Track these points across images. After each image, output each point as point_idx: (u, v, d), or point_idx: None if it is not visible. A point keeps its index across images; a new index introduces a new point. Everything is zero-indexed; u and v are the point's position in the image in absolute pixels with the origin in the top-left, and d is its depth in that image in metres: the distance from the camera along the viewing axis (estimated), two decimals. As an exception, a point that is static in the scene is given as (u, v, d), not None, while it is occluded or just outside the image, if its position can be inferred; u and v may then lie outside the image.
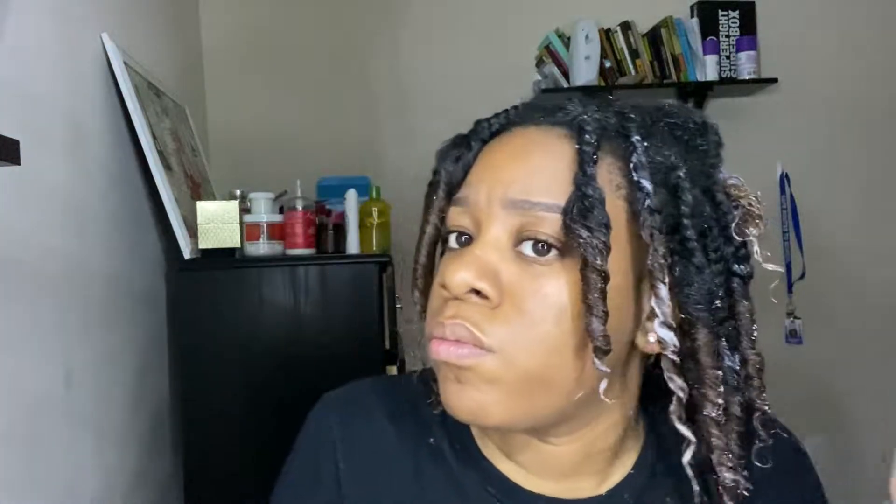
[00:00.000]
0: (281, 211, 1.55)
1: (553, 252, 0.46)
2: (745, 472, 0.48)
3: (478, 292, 0.46)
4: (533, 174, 0.47)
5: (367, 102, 2.26)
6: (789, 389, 2.44)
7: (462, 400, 0.47)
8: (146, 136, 1.33)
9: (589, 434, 0.51)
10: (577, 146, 0.46)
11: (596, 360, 0.45)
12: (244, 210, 1.51)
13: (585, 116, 0.48)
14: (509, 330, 0.45)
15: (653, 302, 0.47)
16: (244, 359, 1.41)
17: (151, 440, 1.44)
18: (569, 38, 2.24)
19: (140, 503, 1.35)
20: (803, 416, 2.44)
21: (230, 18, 2.24)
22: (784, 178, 2.38)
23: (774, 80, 2.27)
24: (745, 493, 0.49)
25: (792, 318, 2.38)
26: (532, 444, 0.52)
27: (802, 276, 2.38)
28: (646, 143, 0.47)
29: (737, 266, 0.48)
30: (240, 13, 2.25)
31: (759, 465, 0.51)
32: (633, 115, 0.49)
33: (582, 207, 0.44)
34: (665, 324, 0.47)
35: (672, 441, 0.50)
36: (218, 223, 1.42)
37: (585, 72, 2.18)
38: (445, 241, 0.51)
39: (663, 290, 0.46)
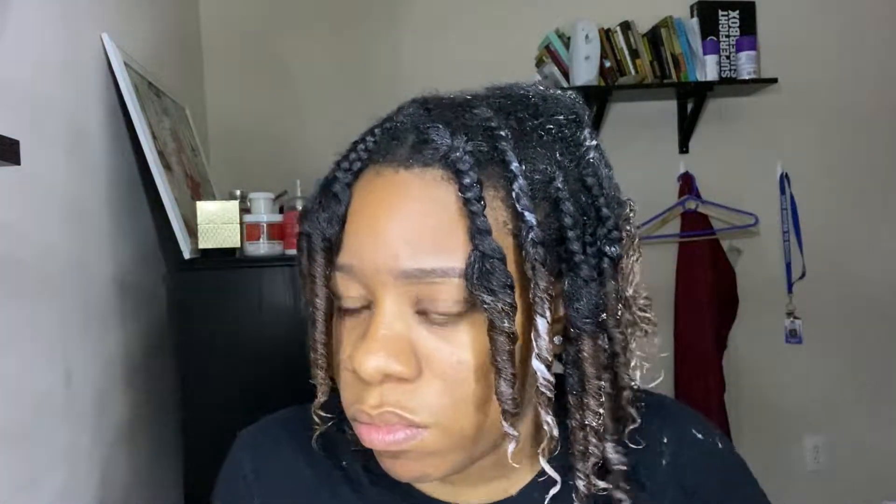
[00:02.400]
0: (281, 211, 1.55)
1: (455, 313, 0.44)
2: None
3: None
4: (418, 235, 0.42)
5: (367, 102, 2.26)
6: (789, 389, 2.44)
7: (403, 470, 0.46)
8: (146, 136, 1.33)
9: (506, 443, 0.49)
10: (460, 195, 0.42)
11: (504, 424, 0.44)
12: (244, 210, 1.51)
13: (458, 153, 0.43)
14: (436, 400, 0.44)
15: (532, 335, 0.44)
16: (244, 359, 1.41)
17: (151, 440, 1.44)
18: (569, 38, 2.24)
19: (140, 503, 1.35)
20: (803, 416, 2.44)
21: (230, 18, 2.24)
22: (784, 178, 2.38)
23: (774, 80, 2.27)
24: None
25: (792, 318, 2.38)
26: None
27: (802, 276, 2.38)
28: (523, 166, 0.44)
29: (608, 248, 0.46)
30: (240, 13, 2.25)
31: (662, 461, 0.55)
32: (503, 132, 0.45)
33: (483, 270, 0.41)
34: (539, 357, 0.44)
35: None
36: (218, 223, 1.41)
37: (585, 72, 2.18)
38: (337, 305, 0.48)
39: (542, 325, 0.44)
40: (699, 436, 0.58)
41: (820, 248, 2.40)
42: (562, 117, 0.48)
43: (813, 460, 2.43)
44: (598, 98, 2.25)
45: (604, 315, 0.46)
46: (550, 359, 0.44)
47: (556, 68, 2.26)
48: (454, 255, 0.42)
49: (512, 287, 0.42)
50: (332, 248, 0.46)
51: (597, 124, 2.31)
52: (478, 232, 0.42)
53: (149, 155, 1.33)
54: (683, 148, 2.39)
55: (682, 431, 0.58)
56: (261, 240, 1.46)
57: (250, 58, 2.25)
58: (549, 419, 0.45)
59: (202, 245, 1.41)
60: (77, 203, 1.14)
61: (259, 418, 0.60)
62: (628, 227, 0.49)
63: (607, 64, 2.23)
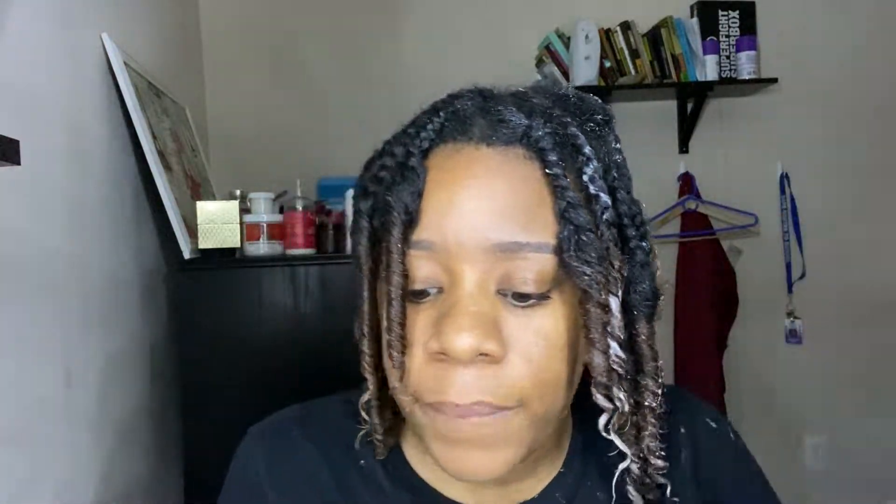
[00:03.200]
0: (281, 211, 1.54)
1: (541, 293, 0.43)
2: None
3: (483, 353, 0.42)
4: (509, 210, 0.42)
5: (367, 102, 2.26)
6: (789, 389, 2.44)
7: (473, 464, 0.44)
8: (146, 136, 1.33)
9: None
10: (547, 172, 0.43)
11: (600, 398, 0.44)
12: (244, 210, 1.50)
13: (539, 132, 0.44)
14: (523, 382, 0.43)
15: (605, 313, 0.45)
16: (244, 359, 1.41)
17: (152, 440, 1.44)
18: (569, 38, 2.24)
19: (140, 503, 1.35)
20: (803, 416, 2.44)
21: (230, 18, 2.24)
22: (784, 178, 2.39)
23: (774, 80, 2.27)
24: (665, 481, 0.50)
25: (792, 318, 2.38)
26: None
27: (802, 276, 2.38)
28: (592, 149, 0.45)
29: (642, 242, 0.47)
30: (240, 13, 2.25)
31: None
32: (569, 119, 0.46)
33: (580, 242, 0.42)
34: (612, 335, 0.44)
35: (600, 435, 0.48)
36: (218, 223, 1.41)
37: (585, 72, 2.18)
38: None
39: (615, 304, 0.44)
40: (713, 425, 0.58)
41: (820, 248, 2.40)
42: (599, 117, 0.49)
43: (813, 460, 2.43)
44: (598, 98, 2.25)
45: (662, 299, 0.47)
46: (622, 337, 0.44)
47: (556, 68, 2.26)
48: (544, 231, 0.42)
49: (607, 259, 0.43)
50: (412, 223, 0.44)
51: (597, 124, 2.31)
52: (570, 206, 0.42)
53: (149, 155, 1.33)
54: (683, 148, 2.39)
55: (697, 421, 0.58)
56: (261, 240, 1.46)
57: (250, 58, 2.25)
58: (621, 395, 0.45)
59: (202, 245, 1.41)
60: (77, 203, 1.14)
61: (261, 416, 0.60)
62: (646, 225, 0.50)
63: (607, 64, 2.23)
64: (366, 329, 0.48)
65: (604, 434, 0.47)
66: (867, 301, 2.43)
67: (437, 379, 0.43)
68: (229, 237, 1.42)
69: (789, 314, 2.39)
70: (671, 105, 2.39)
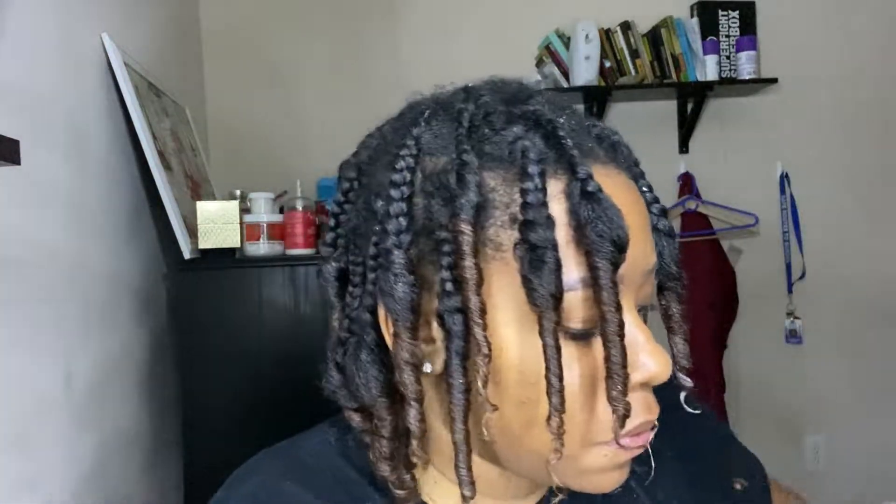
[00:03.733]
0: (281, 211, 1.54)
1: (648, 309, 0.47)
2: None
3: None
4: (650, 231, 0.44)
5: (367, 102, 2.26)
6: (789, 389, 2.44)
7: (623, 478, 0.45)
8: (146, 136, 1.33)
9: None
10: (644, 192, 0.46)
11: (684, 377, 0.49)
12: (244, 210, 1.50)
13: (634, 158, 0.47)
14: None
15: None
16: (244, 359, 1.41)
17: (152, 440, 1.44)
18: (569, 38, 2.24)
19: (140, 503, 1.35)
20: (803, 416, 2.44)
21: (230, 18, 2.24)
22: (784, 178, 2.39)
23: (774, 80, 2.27)
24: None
25: (792, 318, 2.38)
26: (511, 478, 0.50)
27: (802, 276, 2.38)
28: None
29: None
30: (240, 13, 2.25)
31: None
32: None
33: (674, 252, 0.47)
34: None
35: None
36: (218, 223, 1.41)
37: (585, 72, 2.18)
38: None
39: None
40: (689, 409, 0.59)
41: (820, 248, 2.40)
42: None
43: (813, 460, 2.43)
44: (598, 98, 2.25)
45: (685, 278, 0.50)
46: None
47: (556, 68, 2.26)
48: (655, 254, 0.45)
49: (681, 273, 0.47)
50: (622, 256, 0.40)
51: (597, 124, 2.31)
52: (659, 216, 0.46)
53: (149, 155, 1.33)
54: (683, 148, 2.39)
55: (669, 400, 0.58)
56: (261, 240, 1.46)
57: (250, 58, 2.25)
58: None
59: (202, 245, 1.41)
60: (77, 203, 1.14)
61: (259, 418, 0.57)
62: None
63: (607, 64, 2.23)
64: (556, 381, 0.39)
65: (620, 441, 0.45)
66: (867, 301, 2.43)
67: (630, 410, 0.40)
68: (229, 237, 1.42)
69: (789, 314, 2.39)
70: (671, 105, 2.39)
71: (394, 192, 0.42)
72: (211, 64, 2.23)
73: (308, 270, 1.44)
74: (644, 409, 0.42)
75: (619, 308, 0.39)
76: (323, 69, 2.27)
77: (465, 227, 0.40)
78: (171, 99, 1.67)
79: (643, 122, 2.38)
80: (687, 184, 2.34)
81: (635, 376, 0.41)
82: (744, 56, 2.26)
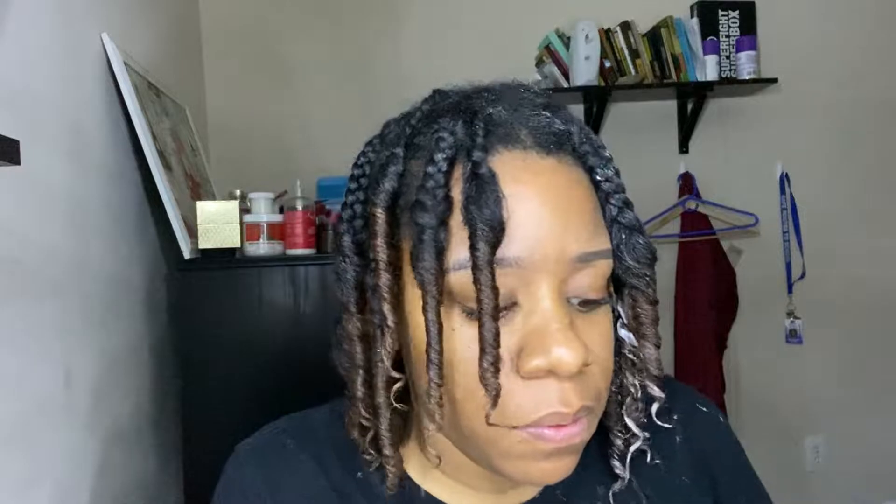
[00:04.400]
0: (281, 211, 1.54)
1: (602, 297, 0.45)
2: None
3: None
4: (585, 219, 0.43)
5: (367, 102, 2.26)
6: (789, 389, 2.44)
7: (563, 466, 0.44)
8: (146, 136, 1.33)
9: None
10: (597, 178, 0.45)
11: (655, 389, 0.47)
12: (244, 210, 1.50)
13: (582, 138, 0.45)
14: (598, 384, 0.44)
15: (618, 304, 0.47)
16: (244, 359, 1.41)
17: (151, 440, 1.44)
18: (569, 38, 2.24)
19: (140, 503, 1.35)
20: (803, 416, 2.44)
21: (230, 18, 2.24)
22: (784, 178, 2.39)
23: (774, 80, 2.27)
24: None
25: (792, 318, 2.38)
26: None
27: (802, 276, 2.38)
28: (608, 153, 0.47)
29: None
30: (240, 13, 2.25)
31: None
32: (578, 122, 0.47)
33: (635, 244, 0.44)
34: (625, 325, 0.47)
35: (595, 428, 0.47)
36: (218, 223, 1.41)
37: (585, 72, 2.18)
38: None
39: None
40: (703, 409, 0.59)
41: (820, 248, 2.40)
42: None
43: (813, 460, 2.43)
44: (598, 98, 2.25)
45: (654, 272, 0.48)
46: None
47: (556, 68, 2.26)
48: (605, 237, 0.44)
49: (657, 259, 0.45)
50: (500, 238, 0.40)
51: (597, 124, 2.31)
52: (620, 211, 0.44)
53: (149, 155, 1.33)
54: (683, 148, 2.39)
55: (689, 406, 0.58)
56: (261, 240, 1.46)
57: (250, 58, 2.25)
58: (635, 382, 0.48)
59: (202, 245, 1.41)
60: (77, 203, 1.14)
61: (259, 418, 0.59)
62: None
63: (607, 64, 2.23)
64: (435, 356, 0.41)
65: (626, 419, 0.49)
66: (867, 301, 2.43)
67: (534, 397, 0.41)
68: (229, 237, 1.42)
69: (789, 314, 2.39)
70: (671, 105, 2.39)
71: (350, 184, 0.49)
72: (211, 64, 2.23)
73: (308, 270, 1.44)
74: (554, 400, 0.41)
75: (494, 289, 0.40)
76: (323, 69, 2.27)
77: (377, 211, 0.44)
78: (171, 99, 1.67)
79: (643, 123, 2.38)
80: (687, 184, 2.34)
81: (535, 361, 0.40)
82: (744, 56, 2.26)
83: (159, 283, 1.55)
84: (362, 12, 2.29)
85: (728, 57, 2.29)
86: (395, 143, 0.46)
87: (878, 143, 2.43)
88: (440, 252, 0.41)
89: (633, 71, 2.24)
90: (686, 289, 2.29)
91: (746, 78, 2.25)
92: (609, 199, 0.44)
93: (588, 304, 0.43)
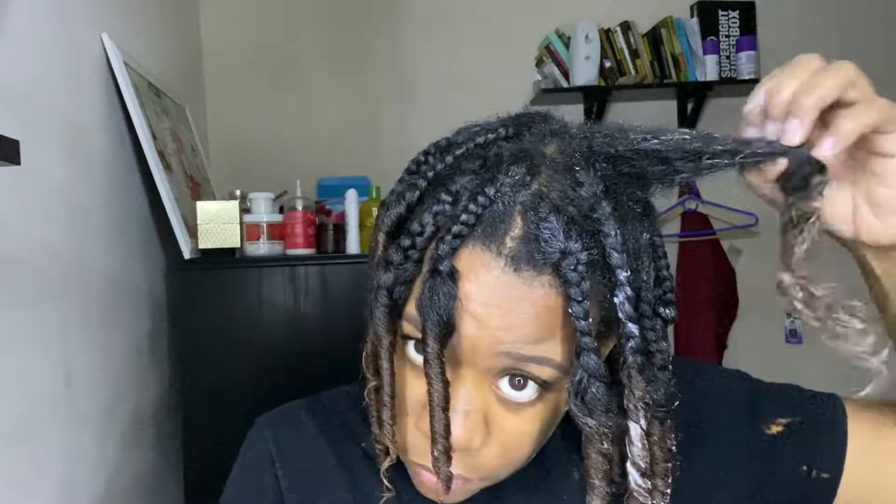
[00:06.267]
0: (281, 211, 1.55)
1: (531, 385, 0.44)
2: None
3: None
4: (524, 332, 0.42)
5: (366, 103, 2.26)
6: (789, 389, 2.44)
7: (438, 497, 0.48)
8: (146, 136, 1.33)
9: None
10: (571, 313, 0.41)
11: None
12: (244, 210, 1.51)
13: (571, 264, 0.40)
14: (494, 462, 0.46)
15: (626, 441, 0.44)
16: (244, 359, 1.41)
17: (152, 440, 1.44)
18: (569, 38, 2.24)
19: (140, 503, 1.35)
20: (803, 416, 2.44)
21: (230, 19, 2.24)
22: (784, 178, 2.38)
23: (774, 80, 2.27)
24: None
25: (792, 319, 2.38)
26: None
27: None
28: (629, 272, 0.42)
29: (663, 309, 0.46)
30: (240, 13, 2.25)
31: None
32: (612, 231, 0.41)
33: (588, 392, 0.41)
34: (634, 464, 0.44)
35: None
36: (218, 223, 1.41)
37: (585, 72, 2.18)
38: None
39: (636, 432, 0.43)
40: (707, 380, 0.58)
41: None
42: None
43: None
44: (598, 98, 2.25)
45: (675, 404, 0.45)
46: (644, 465, 0.44)
47: (556, 68, 2.26)
48: (554, 346, 0.43)
49: (613, 411, 0.42)
50: (448, 329, 0.42)
51: (597, 124, 2.31)
52: (584, 349, 0.41)
53: (149, 155, 1.33)
54: (683, 148, 2.39)
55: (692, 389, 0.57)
56: (261, 240, 1.46)
57: (250, 58, 2.25)
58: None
59: (202, 245, 1.41)
60: (77, 203, 1.14)
61: (257, 415, 0.62)
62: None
63: (607, 64, 2.23)
64: (387, 399, 0.47)
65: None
66: (867, 301, 2.42)
67: (423, 445, 0.45)
68: (229, 237, 1.42)
69: (789, 314, 2.39)
70: (671, 105, 2.39)
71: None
72: (211, 64, 2.23)
73: (308, 270, 1.44)
74: (421, 450, 0.46)
75: (444, 382, 0.43)
76: (323, 69, 2.27)
77: (380, 237, 0.48)
78: (171, 99, 1.67)
79: (643, 123, 2.38)
80: (687, 184, 2.34)
81: (422, 425, 0.45)
82: (744, 56, 2.26)
83: (159, 283, 1.55)
84: (362, 12, 2.29)
85: (728, 57, 2.29)
86: (424, 175, 0.46)
87: (878, 143, 2.43)
88: (393, 310, 0.45)
89: (633, 71, 2.24)
90: (686, 289, 2.29)
91: (746, 78, 2.25)
92: (577, 334, 0.41)
93: (515, 385, 0.44)
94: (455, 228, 0.42)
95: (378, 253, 0.47)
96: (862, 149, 0.44)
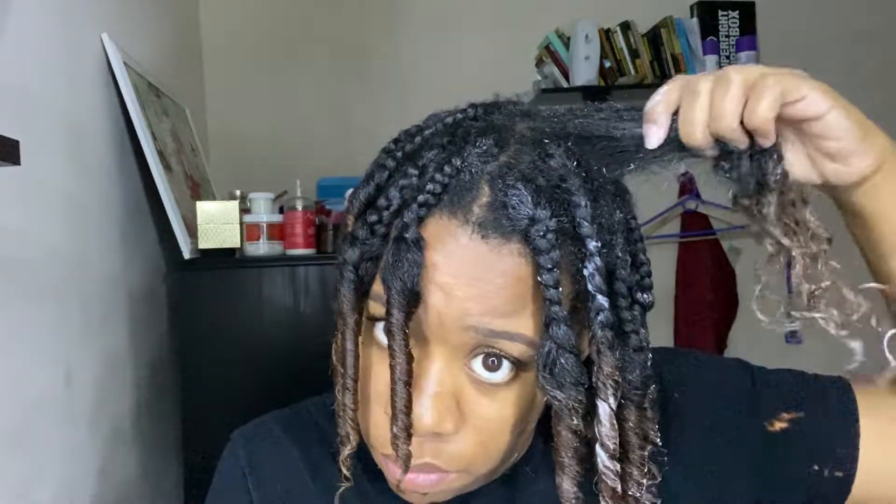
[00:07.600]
0: (281, 211, 1.54)
1: (506, 364, 0.43)
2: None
3: None
4: (493, 302, 0.41)
5: (367, 102, 2.26)
6: (789, 389, 2.45)
7: (414, 498, 0.47)
8: (146, 136, 1.33)
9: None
10: (540, 281, 0.40)
11: None
12: (244, 210, 1.50)
13: (540, 230, 0.40)
14: (470, 450, 0.44)
15: (594, 422, 0.42)
16: (244, 359, 1.41)
17: (151, 440, 1.44)
18: (569, 38, 2.24)
19: (140, 503, 1.35)
20: (803, 416, 2.44)
21: (230, 18, 2.24)
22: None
23: (774, 80, 2.27)
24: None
25: (792, 319, 2.38)
26: None
27: (802, 276, 2.38)
28: (598, 242, 0.41)
29: (641, 295, 0.44)
30: (240, 13, 2.25)
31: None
32: (582, 201, 0.40)
33: (557, 364, 0.40)
34: (603, 445, 0.42)
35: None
36: (218, 223, 1.41)
37: (585, 72, 2.18)
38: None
39: (604, 411, 0.41)
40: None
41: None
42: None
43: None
44: (597, 98, 2.25)
45: (651, 386, 0.44)
46: (613, 446, 0.42)
47: (555, 68, 2.26)
48: (524, 321, 0.41)
49: (583, 383, 0.41)
50: (412, 300, 0.41)
51: (597, 124, 2.31)
52: (554, 318, 0.40)
53: (149, 155, 1.33)
54: (683, 148, 2.39)
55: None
56: (261, 240, 1.46)
57: (250, 58, 2.25)
58: None
59: (202, 245, 1.41)
60: (77, 203, 1.14)
61: (257, 415, 0.61)
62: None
63: (607, 64, 2.23)
64: (350, 382, 0.45)
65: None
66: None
67: (388, 435, 0.43)
68: (229, 237, 1.42)
69: (789, 315, 2.39)
70: (671, 105, 2.39)
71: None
72: (211, 64, 2.23)
73: (308, 270, 1.44)
74: (384, 438, 0.43)
75: (408, 354, 0.41)
76: (323, 69, 2.27)
77: (349, 219, 0.47)
78: (171, 99, 1.67)
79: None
80: (687, 184, 2.34)
81: (390, 410, 0.43)
82: (744, 56, 2.26)
83: (159, 283, 1.55)
84: (362, 13, 2.29)
85: (728, 57, 2.29)
86: (393, 155, 0.46)
87: (878, 143, 2.43)
88: (359, 287, 0.44)
89: (632, 71, 2.24)
90: (686, 289, 2.29)
91: (746, 78, 2.25)
92: (546, 304, 0.40)
93: (489, 365, 0.43)
94: (421, 198, 0.41)
95: (346, 233, 0.46)
96: (790, 118, 0.45)
